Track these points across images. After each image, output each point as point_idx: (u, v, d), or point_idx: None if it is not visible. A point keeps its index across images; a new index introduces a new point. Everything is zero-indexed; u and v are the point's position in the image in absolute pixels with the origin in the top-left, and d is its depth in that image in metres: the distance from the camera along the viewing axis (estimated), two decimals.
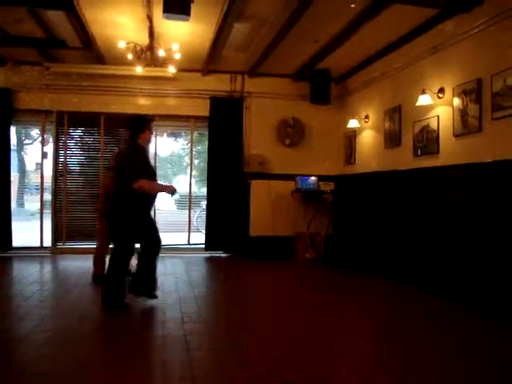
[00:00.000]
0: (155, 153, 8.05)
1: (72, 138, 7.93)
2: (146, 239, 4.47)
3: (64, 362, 3.00)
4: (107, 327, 3.87)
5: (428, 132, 5.52)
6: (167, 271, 6.31)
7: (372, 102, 7.13)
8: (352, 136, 7.72)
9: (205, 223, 8.03)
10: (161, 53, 6.27)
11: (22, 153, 15.19)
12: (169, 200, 12.03)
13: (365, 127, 7.31)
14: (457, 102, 4.98)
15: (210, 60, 7.13)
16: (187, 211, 8.32)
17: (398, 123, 6.26)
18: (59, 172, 7.75)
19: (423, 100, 5.40)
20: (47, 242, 7.70)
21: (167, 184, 4.54)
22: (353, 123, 7.41)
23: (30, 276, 5.88)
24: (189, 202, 8.31)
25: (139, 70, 6.64)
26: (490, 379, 2.93)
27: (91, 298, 4.77)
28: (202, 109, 7.85)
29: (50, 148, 7.82)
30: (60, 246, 7.71)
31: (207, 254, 7.94)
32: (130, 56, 6.22)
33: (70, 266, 6.69)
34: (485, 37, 4.62)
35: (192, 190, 8.42)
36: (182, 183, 13.37)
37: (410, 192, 5.87)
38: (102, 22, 5.67)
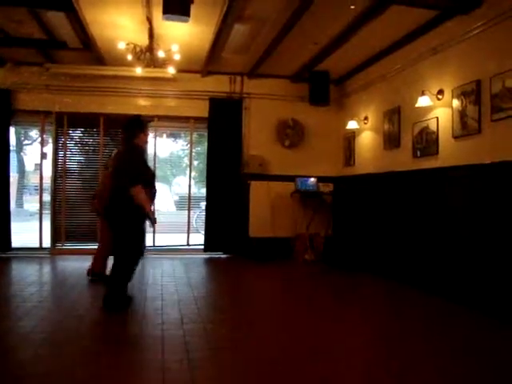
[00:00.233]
0: (154, 154, 8.05)
1: (71, 139, 7.93)
2: (124, 240, 4.38)
3: (63, 362, 3.00)
4: (106, 328, 3.87)
5: (427, 133, 5.53)
6: (166, 272, 6.30)
7: (371, 103, 7.14)
8: (351, 137, 7.73)
9: (204, 224, 8.03)
10: (160, 54, 6.27)
11: (22, 153, 15.19)
12: (168, 199, 12.05)
13: (364, 128, 7.32)
14: (456, 103, 4.99)
15: (210, 61, 7.14)
16: (186, 212, 8.32)
17: (397, 125, 6.27)
18: (58, 173, 7.75)
19: (422, 101, 5.41)
20: (46, 243, 7.70)
21: (152, 211, 4.46)
22: (352, 124, 7.42)
23: (28, 277, 5.88)
24: (188, 202, 8.31)
25: (139, 70, 6.65)
26: (489, 379, 2.93)
27: (90, 298, 4.77)
28: (202, 110, 7.86)
29: (49, 149, 7.82)
30: (59, 246, 7.71)
31: (206, 255, 7.94)
32: (129, 57, 6.22)
33: (69, 267, 6.68)
34: (484, 38, 4.63)
35: (191, 191, 8.42)
36: (181, 184, 13.38)
37: (410, 193, 5.87)
38: (102, 23, 5.67)
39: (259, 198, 7.92)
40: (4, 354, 3.14)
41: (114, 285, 4.34)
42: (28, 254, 7.52)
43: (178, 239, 8.29)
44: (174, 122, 8.25)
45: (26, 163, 15.08)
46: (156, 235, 7.98)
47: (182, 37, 6.12)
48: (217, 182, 7.90)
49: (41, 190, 7.95)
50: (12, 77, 7.34)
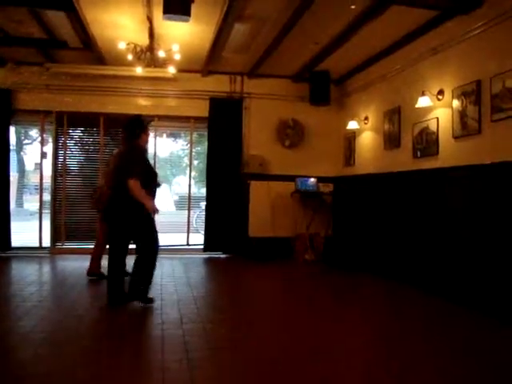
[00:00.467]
0: (154, 153, 8.04)
1: (71, 139, 7.93)
2: (143, 240, 4.46)
3: (63, 362, 3.00)
4: (106, 328, 3.87)
5: (427, 134, 5.53)
6: (166, 272, 6.30)
7: (371, 103, 7.14)
8: (351, 137, 7.73)
9: (204, 224, 8.03)
10: (161, 53, 6.27)
11: (22, 153, 15.18)
12: (168, 199, 12.04)
13: (364, 129, 7.32)
14: (456, 103, 4.99)
15: (210, 61, 7.14)
16: (186, 212, 8.32)
17: (397, 125, 6.27)
18: (58, 172, 7.75)
19: (423, 102, 5.41)
20: (46, 242, 7.70)
21: (153, 203, 4.42)
22: (352, 125, 7.42)
23: (28, 276, 5.88)
24: (188, 202, 8.31)
25: (139, 70, 6.65)
26: (489, 380, 2.93)
27: (90, 298, 4.77)
28: (202, 109, 7.85)
29: (49, 148, 7.82)
30: (59, 246, 7.70)
31: (206, 255, 7.94)
32: (130, 57, 6.22)
33: (69, 267, 6.68)
34: (484, 39, 4.63)
35: (191, 191, 8.42)
36: (181, 184, 13.38)
37: (410, 193, 5.87)
38: (103, 22, 5.67)
39: (259, 198, 7.91)
40: (4, 354, 3.14)
41: (110, 281, 4.40)
42: (28, 253, 7.52)
43: (177, 239, 8.28)
44: (174, 122, 8.25)
45: (26, 163, 15.07)
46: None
47: (182, 36, 6.12)
48: (217, 181, 7.90)
49: (41, 190, 7.95)
50: (12, 76, 7.34)
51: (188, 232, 8.21)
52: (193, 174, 8.98)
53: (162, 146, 10.21)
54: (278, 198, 7.96)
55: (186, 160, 9.79)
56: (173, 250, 7.93)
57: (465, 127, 4.85)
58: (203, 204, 8.39)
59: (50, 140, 7.80)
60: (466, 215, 4.77)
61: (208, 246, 7.94)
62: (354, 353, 3.44)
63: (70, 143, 7.89)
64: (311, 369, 3.01)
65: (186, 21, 4.77)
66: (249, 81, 8.04)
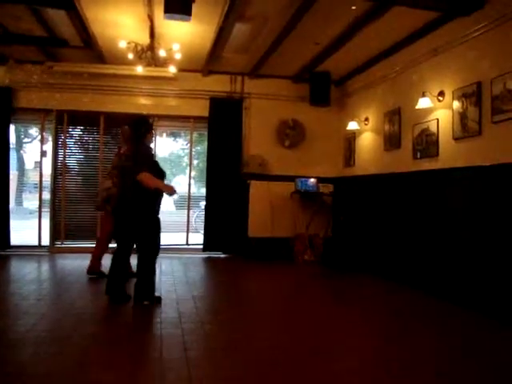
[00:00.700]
0: (154, 153, 8.02)
1: (71, 137, 7.93)
2: (146, 240, 4.48)
3: (63, 361, 2.99)
4: (105, 327, 3.87)
5: (428, 135, 5.53)
6: (165, 271, 6.30)
7: (372, 104, 7.14)
8: (351, 138, 7.72)
9: (204, 224, 8.03)
10: (161, 53, 6.27)
11: (21, 151, 15.19)
12: (168, 200, 12.03)
13: (364, 129, 7.32)
14: (457, 105, 4.99)
15: (211, 60, 7.14)
16: (186, 211, 8.31)
17: (397, 126, 6.27)
18: (58, 171, 7.74)
19: (423, 103, 5.40)
20: (45, 241, 7.69)
21: (168, 184, 4.56)
22: (352, 125, 7.42)
23: (27, 275, 5.88)
24: (188, 202, 8.30)
25: (139, 69, 6.64)
26: (489, 380, 2.93)
27: (89, 296, 4.77)
28: (202, 109, 7.85)
29: (49, 147, 7.82)
30: (58, 244, 7.70)
31: (205, 255, 7.93)
32: (130, 56, 6.22)
33: (68, 265, 6.68)
34: (485, 40, 4.63)
35: (191, 191, 8.42)
36: (181, 183, 13.39)
37: (410, 194, 5.87)
38: (103, 21, 5.67)
39: (259, 198, 7.91)
40: (3, 353, 3.13)
41: (113, 279, 4.43)
42: (27, 251, 7.51)
43: (177, 238, 8.28)
44: (175, 122, 8.26)
45: (25, 161, 15.08)
46: None
47: (183, 36, 6.12)
48: (217, 181, 7.89)
49: (40, 188, 7.94)
50: (13, 74, 7.33)
51: (187, 232, 8.21)
52: (193, 173, 8.98)
53: (162, 146, 10.19)
54: (277, 198, 7.95)
55: (186, 159, 9.80)
56: (172, 250, 7.92)
57: (465, 128, 4.85)
58: (203, 204, 8.39)
59: (50, 138, 7.80)
60: (466, 216, 4.77)
61: (207, 245, 7.94)
62: (353, 353, 3.43)
63: (70, 142, 7.89)
64: (311, 369, 3.01)
65: (187, 20, 4.78)
66: (249, 81, 8.04)
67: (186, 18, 4.66)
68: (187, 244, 8.23)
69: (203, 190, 8.46)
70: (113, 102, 7.65)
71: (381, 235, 6.50)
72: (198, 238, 8.36)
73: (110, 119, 7.77)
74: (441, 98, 5.29)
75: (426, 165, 5.56)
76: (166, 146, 11.58)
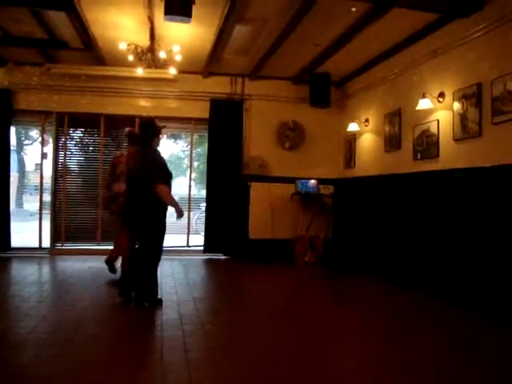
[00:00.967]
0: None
1: (72, 139, 7.94)
2: (152, 243, 4.53)
3: (63, 363, 2.99)
4: (106, 328, 3.86)
5: (428, 136, 5.53)
6: (166, 273, 6.29)
7: (372, 105, 7.15)
8: (352, 139, 7.73)
9: (204, 225, 8.03)
10: (162, 54, 6.27)
11: (22, 153, 15.19)
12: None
13: (365, 131, 7.32)
14: (457, 106, 4.99)
15: (211, 62, 7.14)
16: (186, 213, 8.30)
17: (397, 127, 6.27)
18: (59, 173, 7.75)
19: (423, 104, 5.41)
20: (46, 243, 7.69)
21: (179, 205, 4.66)
22: (353, 127, 7.42)
23: (28, 277, 5.88)
24: (188, 204, 8.30)
25: (140, 71, 6.65)
26: (489, 381, 2.93)
27: (90, 299, 4.76)
28: (202, 111, 7.86)
29: (49, 149, 7.82)
30: (59, 246, 7.70)
31: (206, 257, 7.93)
32: (130, 57, 6.22)
33: (69, 267, 6.68)
34: (485, 41, 4.63)
35: (191, 192, 8.42)
36: (181, 185, 13.38)
37: (410, 196, 5.87)
38: (104, 23, 5.68)
39: (259, 200, 7.90)
40: (4, 355, 3.13)
41: (145, 282, 4.46)
42: (28, 254, 7.51)
43: (177, 240, 8.28)
44: (175, 123, 8.24)
45: (26, 163, 15.08)
46: None
47: (183, 38, 6.12)
48: (217, 183, 7.89)
49: (41, 190, 7.95)
50: (13, 77, 7.34)
51: (188, 233, 8.21)
52: (193, 175, 8.98)
53: (162, 147, 10.19)
54: (278, 199, 7.95)
55: (187, 161, 9.80)
56: (173, 252, 7.91)
57: (465, 130, 4.85)
58: (203, 205, 8.39)
59: (51, 140, 7.80)
60: (466, 218, 4.77)
61: (208, 247, 7.94)
62: (353, 353, 3.43)
63: (71, 144, 7.90)
64: (311, 369, 3.01)
65: (187, 22, 4.77)
66: (249, 82, 8.05)
67: (186, 19, 4.66)
68: (188, 246, 8.22)
69: (204, 192, 8.46)
70: (113, 103, 7.66)
71: (381, 236, 6.50)
72: (198, 240, 8.36)
73: (110, 121, 7.78)
74: (441, 99, 5.29)
75: (427, 166, 5.56)
76: (166, 148, 11.58)
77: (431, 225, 5.36)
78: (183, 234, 8.21)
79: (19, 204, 13.40)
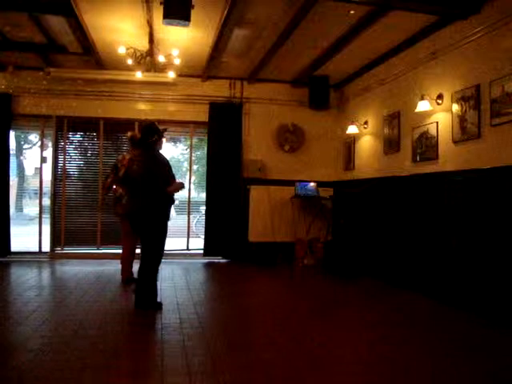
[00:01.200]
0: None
1: (71, 143, 7.94)
2: (153, 246, 4.54)
3: (63, 367, 2.98)
4: (105, 332, 3.85)
5: (427, 138, 5.53)
6: (166, 277, 6.29)
7: (371, 107, 7.15)
8: (351, 142, 7.73)
9: (204, 228, 8.03)
10: (160, 58, 6.29)
11: (21, 157, 15.20)
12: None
13: (364, 133, 7.33)
14: (456, 108, 5.00)
15: (210, 66, 7.16)
16: (186, 216, 8.31)
17: (397, 129, 6.28)
18: (58, 177, 7.75)
19: (422, 106, 5.42)
20: (46, 247, 7.69)
21: (178, 182, 4.75)
22: (352, 129, 7.42)
23: (28, 281, 5.86)
24: (188, 207, 8.30)
25: (139, 75, 6.66)
26: (489, 381, 2.93)
27: (90, 303, 4.75)
28: (202, 114, 7.87)
29: (49, 153, 7.84)
30: (58, 250, 7.69)
31: (206, 260, 7.92)
32: (129, 61, 6.24)
33: (69, 271, 6.67)
34: (483, 43, 4.65)
35: (191, 196, 8.42)
36: None
37: (409, 197, 5.87)
38: (102, 27, 5.69)
39: (259, 203, 7.90)
40: (4, 358, 3.12)
41: (145, 285, 4.47)
42: (27, 258, 7.51)
43: (177, 243, 8.27)
44: (174, 127, 8.23)
45: (25, 167, 15.09)
46: None
47: (182, 41, 6.13)
48: (217, 186, 7.90)
49: (40, 194, 7.95)
50: (12, 81, 7.36)
51: (188, 236, 8.21)
52: (192, 178, 8.97)
53: (161, 151, 10.18)
54: (277, 202, 7.95)
55: (186, 164, 9.78)
56: (173, 255, 7.91)
57: (464, 131, 4.86)
58: (203, 208, 8.39)
59: (50, 144, 7.81)
60: (466, 219, 4.77)
61: (208, 250, 7.93)
62: (350, 357, 3.42)
63: (70, 148, 7.90)
64: (308, 373, 3.01)
65: (186, 26, 4.79)
66: (248, 85, 8.06)
67: (185, 23, 4.67)
68: (187, 249, 8.22)
69: (203, 195, 8.46)
70: (112, 107, 7.67)
71: (381, 239, 6.49)
72: (198, 243, 8.35)
73: (109, 125, 7.79)
74: (440, 101, 5.30)
75: (426, 168, 5.56)
76: (165, 151, 11.57)
77: (430, 227, 5.36)
78: (183, 237, 8.21)
79: (19, 208, 13.40)
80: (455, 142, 5.02)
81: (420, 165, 5.70)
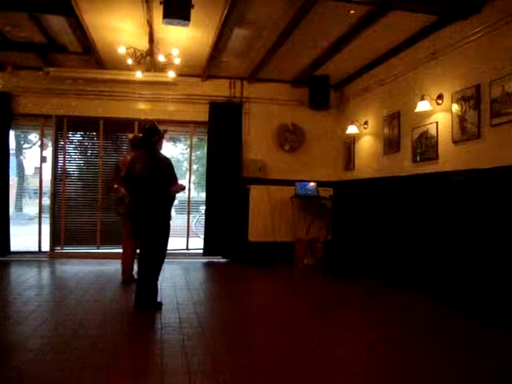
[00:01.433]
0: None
1: (71, 143, 7.94)
2: (156, 247, 4.55)
3: (63, 367, 2.98)
4: (105, 332, 3.85)
5: (427, 138, 5.53)
6: (165, 276, 6.28)
7: (371, 108, 7.15)
8: (351, 142, 7.73)
9: (203, 228, 8.03)
10: (160, 58, 6.29)
11: (21, 157, 15.20)
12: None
13: (364, 133, 7.32)
14: (456, 108, 5.00)
15: (210, 65, 7.16)
16: (186, 216, 8.31)
17: (396, 129, 6.27)
18: (58, 176, 7.74)
19: (422, 106, 5.42)
20: (45, 247, 7.69)
21: (180, 184, 4.77)
22: (352, 129, 7.42)
23: (27, 280, 5.86)
24: (187, 206, 8.30)
25: (139, 74, 6.66)
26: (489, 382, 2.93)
27: (89, 303, 4.75)
28: (202, 114, 7.87)
29: (48, 152, 7.83)
30: (58, 250, 7.69)
31: (205, 259, 7.92)
32: (129, 61, 6.24)
33: (69, 271, 6.67)
34: (484, 43, 4.64)
35: (191, 195, 8.42)
36: None
37: (409, 198, 5.87)
38: (102, 27, 5.69)
39: (259, 203, 7.90)
40: (4, 358, 3.12)
41: (147, 284, 4.47)
42: (27, 257, 7.50)
43: (177, 243, 8.27)
44: (174, 126, 8.23)
45: (25, 167, 15.09)
46: None
47: (182, 41, 6.13)
48: (216, 186, 7.89)
49: (40, 194, 7.95)
50: (12, 80, 7.35)
51: (188, 236, 8.20)
52: (192, 178, 8.98)
53: (161, 150, 10.18)
54: (277, 202, 7.95)
55: (186, 164, 9.79)
56: (172, 255, 7.89)
57: (464, 132, 4.86)
58: (203, 208, 8.38)
59: (50, 144, 7.80)
60: (466, 219, 4.77)
61: (207, 250, 7.93)
62: (349, 358, 3.42)
63: (70, 147, 7.89)
64: (307, 373, 3.01)
65: (186, 25, 4.80)
66: (248, 85, 8.06)
67: (185, 23, 4.67)
68: (187, 249, 8.22)
69: (203, 195, 8.46)
70: (112, 107, 7.67)
71: (381, 238, 6.49)
72: (198, 243, 8.34)
73: (109, 124, 7.79)
74: (440, 102, 5.30)
75: (426, 168, 5.56)
76: (165, 151, 11.58)
77: (430, 227, 5.36)
78: (183, 236, 8.21)
79: (19, 208, 13.40)
80: (455, 142, 5.02)
81: (420, 165, 5.70)
